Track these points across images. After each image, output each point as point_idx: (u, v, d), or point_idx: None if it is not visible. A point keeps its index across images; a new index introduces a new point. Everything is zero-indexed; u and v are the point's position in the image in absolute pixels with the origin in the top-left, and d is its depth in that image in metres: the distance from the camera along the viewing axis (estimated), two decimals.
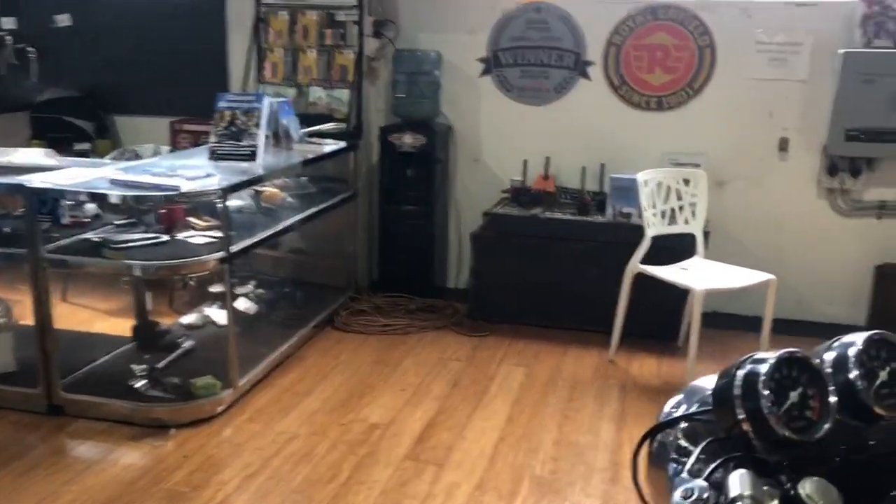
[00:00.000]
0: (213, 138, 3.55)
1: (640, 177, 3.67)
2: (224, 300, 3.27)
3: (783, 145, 4.23)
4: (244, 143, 3.50)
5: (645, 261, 3.66)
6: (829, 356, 0.92)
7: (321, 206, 4.06)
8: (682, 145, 4.35)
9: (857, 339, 0.93)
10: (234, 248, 3.20)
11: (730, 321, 4.25)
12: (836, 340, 0.95)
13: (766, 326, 3.59)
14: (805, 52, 4.10)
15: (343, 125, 4.30)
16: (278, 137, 4.03)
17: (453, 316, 4.32)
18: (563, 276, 4.15)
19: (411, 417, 3.21)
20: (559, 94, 4.47)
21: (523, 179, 4.46)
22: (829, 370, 0.91)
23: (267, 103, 3.58)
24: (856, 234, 4.23)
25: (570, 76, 4.44)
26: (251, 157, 3.49)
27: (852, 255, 4.25)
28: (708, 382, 0.98)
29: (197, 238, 3.25)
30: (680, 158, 4.35)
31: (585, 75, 4.42)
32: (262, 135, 3.52)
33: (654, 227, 3.69)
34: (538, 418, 3.23)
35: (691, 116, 4.33)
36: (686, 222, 3.81)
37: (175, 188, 2.94)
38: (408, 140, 4.41)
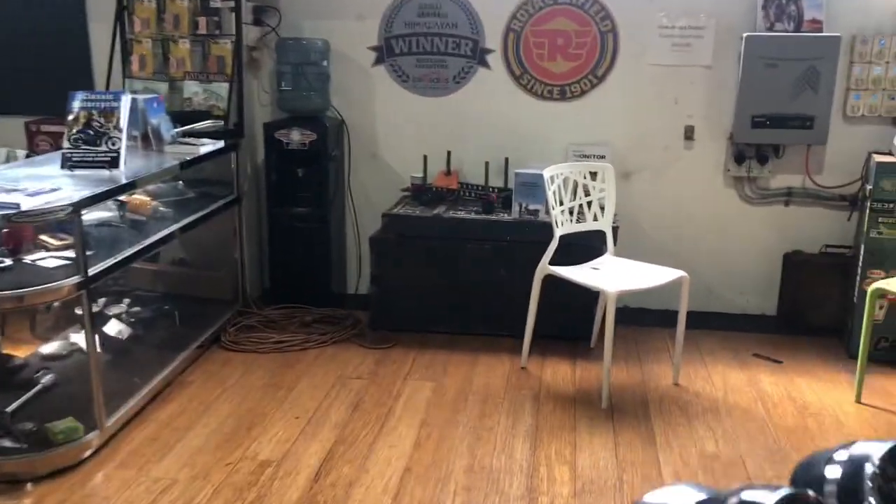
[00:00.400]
0: (66, 143, 3.10)
1: (547, 173, 3.44)
2: (85, 330, 2.84)
3: (689, 133, 4.09)
4: (103, 147, 3.07)
5: (554, 260, 3.44)
6: (834, 474, 0.66)
7: (200, 214, 3.66)
8: (586, 136, 4.16)
9: (872, 453, 0.67)
10: (94, 270, 2.79)
11: (641, 316, 4.10)
12: (843, 449, 0.69)
13: (681, 325, 3.43)
14: (708, 36, 3.96)
15: (221, 122, 3.89)
16: (147, 139, 3.62)
17: (354, 327, 3.99)
18: (470, 279, 3.89)
19: (307, 451, 2.88)
20: (458, 85, 4.20)
21: (424, 176, 4.17)
22: (832, 489, 0.65)
23: (127, 101, 3.15)
24: (764, 223, 4.14)
25: (468, 65, 4.16)
26: (112, 163, 3.07)
27: (761, 243, 4.17)
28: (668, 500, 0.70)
29: (49, 260, 2.81)
30: (585, 150, 4.16)
31: (485, 64, 4.16)
32: (123, 137, 3.10)
33: (562, 226, 3.47)
34: (448, 441, 2.96)
35: (595, 106, 4.14)
36: (595, 219, 3.61)
37: (13, 206, 2.50)
38: (296, 137, 4.05)
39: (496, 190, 4.07)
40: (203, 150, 3.62)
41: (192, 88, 3.99)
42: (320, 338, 3.86)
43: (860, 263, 3.69)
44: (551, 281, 3.44)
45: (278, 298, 4.23)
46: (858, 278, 3.70)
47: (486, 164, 4.06)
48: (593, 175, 3.63)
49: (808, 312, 4.08)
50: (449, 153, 4.17)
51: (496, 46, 4.13)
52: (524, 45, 4.11)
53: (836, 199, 4.04)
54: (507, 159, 4.13)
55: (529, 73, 4.14)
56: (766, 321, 4.20)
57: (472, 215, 3.92)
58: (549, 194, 3.43)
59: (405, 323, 3.99)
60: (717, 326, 4.10)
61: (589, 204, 3.61)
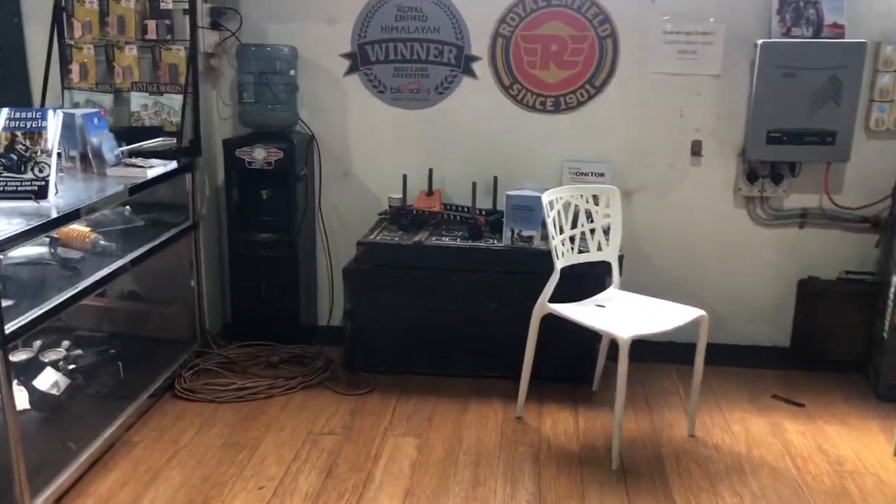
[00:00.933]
0: None
1: (546, 198, 3.03)
2: (2, 399, 2.37)
3: (696, 149, 3.72)
4: (28, 175, 2.61)
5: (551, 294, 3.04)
6: None
7: (149, 245, 3.21)
8: (583, 152, 3.77)
9: None
10: (12, 326, 2.32)
11: (642, 350, 3.64)
12: None
13: (698, 370, 3.03)
14: (717, 42, 3.58)
15: (174, 140, 3.43)
16: (87, 160, 3.16)
17: (326, 368, 3.56)
18: (456, 315, 3.47)
19: None
20: (441, 95, 3.78)
21: (404, 197, 3.75)
22: None
23: (58, 120, 2.69)
24: (777, 246, 3.78)
25: (452, 74, 3.75)
26: (40, 193, 2.61)
27: (773, 269, 3.80)
28: None
29: None
30: (582, 167, 3.77)
31: (471, 73, 3.74)
32: (53, 163, 2.64)
33: (563, 257, 3.06)
34: None
35: (593, 119, 3.74)
36: (599, 248, 3.21)
37: None
38: (260, 155, 3.61)
39: (484, 213, 3.66)
40: (152, 172, 3.16)
41: (140, 101, 3.52)
42: (288, 382, 3.42)
43: (891, 295, 3.33)
44: (547, 316, 3.04)
45: (241, 334, 3.79)
46: (889, 311, 3.33)
47: (474, 184, 3.64)
48: (595, 198, 3.23)
49: (826, 345, 3.72)
50: (431, 171, 3.76)
51: (483, 53, 3.72)
52: (514, 51, 3.70)
53: (856, 220, 3.68)
54: (495, 178, 3.72)
55: (520, 83, 3.73)
56: (778, 354, 3.84)
57: (458, 242, 3.50)
58: (549, 222, 3.02)
59: (383, 363, 3.56)
60: (727, 361, 3.72)
61: (592, 231, 3.21)
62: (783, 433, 3.11)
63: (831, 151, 3.48)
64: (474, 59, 3.73)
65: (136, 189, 3.09)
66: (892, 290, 3.32)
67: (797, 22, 3.48)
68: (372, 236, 3.57)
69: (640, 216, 3.78)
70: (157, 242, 3.29)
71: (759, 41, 3.45)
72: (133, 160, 3.23)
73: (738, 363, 3.74)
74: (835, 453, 2.95)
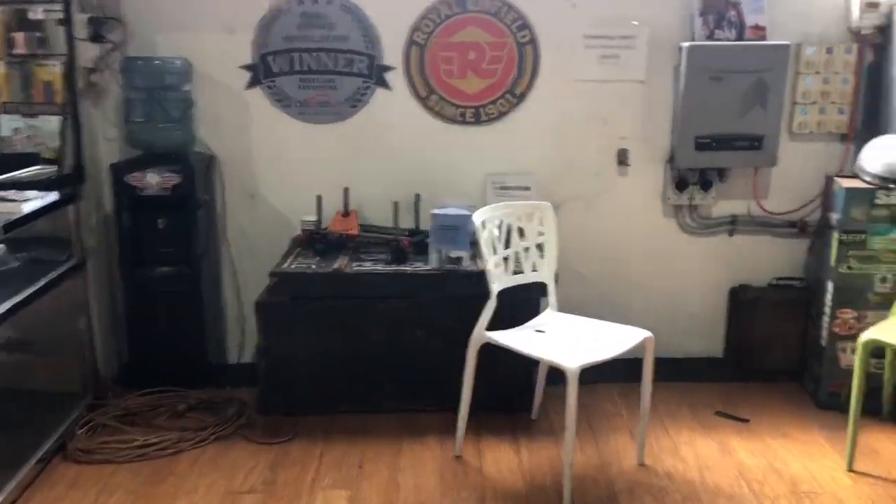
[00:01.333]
0: None
1: (478, 218, 2.80)
2: None
3: (622, 157, 3.58)
4: None
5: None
6: None
7: (30, 290, 2.79)
8: (507, 164, 3.57)
9: None
10: None
11: (582, 370, 3.52)
12: None
13: (645, 396, 2.86)
14: (641, 46, 3.45)
15: (54, 167, 3.02)
16: None
17: (240, 415, 3.21)
18: (382, 346, 3.20)
19: None
20: (354, 108, 3.50)
21: (318, 220, 3.45)
22: None
23: None
24: (707, 255, 3.68)
25: (364, 86, 3.48)
26: None
27: (705, 278, 3.70)
28: None
29: None
30: (506, 181, 3.57)
31: (384, 84, 3.48)
32: None
33: (499, 280, 2.84)
34: None
35: (515, 129, 3.55)
36: (534, 269, 3.00)
37: None
38: (153, 180, 3.24)
39: (408, 233, 3.41)
40: (28, 206, 2.75)
41: (11, 124, 3.09)
42: (198, 434, 3.05)
43: (828, 302, 3.26)
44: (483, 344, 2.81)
45: (142, 380, 3.39)
46: (827, 318, 3.27)
47: (395, 204, 3.38)
48: (529, 217, 3.02)
49: (760, 354, 3.64)
50: (346, 190, 3.48)
51: (397, 63, 3.47)
52: (430, 60, 3.46)
53: (783, 226, 3.62)
54: (417, 196, 3.47)
55: (437, 93, 3.50)
56: (714, 364, 3.74)
57: (381, 267, 3.23)
58: (482, 242, 2.79)
59: (304, 404, 3.25)
60: (666, 376, 3.50)
61: (526, 250, 2.99)
62: (733, 453, 2.98)
63: (759, 156, 3.41)
64: (387, 68, 3.47)
65: (10, 226, 2.68)
66: (829, 296, 3.25)
67: (720, 24, 3.38)
68: (285, 264, 3.25)
69: (567, 229, 3.56)
70: (38, 286, 2.88)
71: (685, 44, 3.34)
72: (5, 193, 2.81)
73: (674, 377, 3.59)
74: (788, 473, 2.83)
